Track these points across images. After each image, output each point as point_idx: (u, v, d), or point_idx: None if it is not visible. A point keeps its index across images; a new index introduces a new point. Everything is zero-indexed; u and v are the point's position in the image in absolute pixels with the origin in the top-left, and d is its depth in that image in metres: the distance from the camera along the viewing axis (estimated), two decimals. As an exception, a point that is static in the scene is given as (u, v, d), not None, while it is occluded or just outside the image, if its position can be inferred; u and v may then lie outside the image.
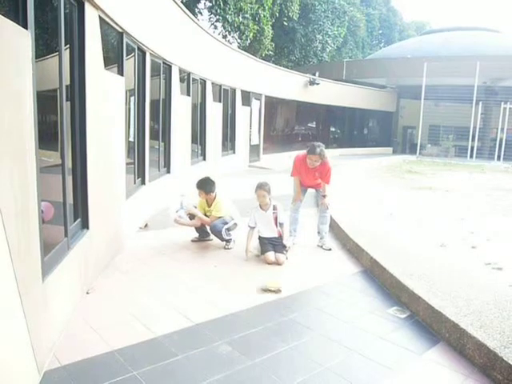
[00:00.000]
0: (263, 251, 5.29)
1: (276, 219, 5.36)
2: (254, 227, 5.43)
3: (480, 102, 21.90)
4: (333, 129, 24.65)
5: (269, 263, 5.12)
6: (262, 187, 5.35)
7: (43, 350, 2.87)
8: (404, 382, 2.96)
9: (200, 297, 4.13)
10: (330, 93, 21.51)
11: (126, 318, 3.61)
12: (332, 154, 19.44)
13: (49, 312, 3.05)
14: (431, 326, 3.61)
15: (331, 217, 6.19)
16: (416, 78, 21.92)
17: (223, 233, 5.65)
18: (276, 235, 5.37)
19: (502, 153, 21.74)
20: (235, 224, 5.82)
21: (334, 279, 4.81)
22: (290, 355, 3.19)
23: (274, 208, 5.38)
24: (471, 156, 22.27)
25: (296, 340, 3.41)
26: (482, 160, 21.47)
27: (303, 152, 5.84)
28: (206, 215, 5.79)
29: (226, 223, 5.72)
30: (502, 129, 21.87)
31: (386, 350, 3.32)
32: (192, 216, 5.81)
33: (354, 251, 5.58)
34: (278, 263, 5.14)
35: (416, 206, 8.48)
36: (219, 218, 5.71)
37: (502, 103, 21.59)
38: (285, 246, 5.31)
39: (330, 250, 5.79)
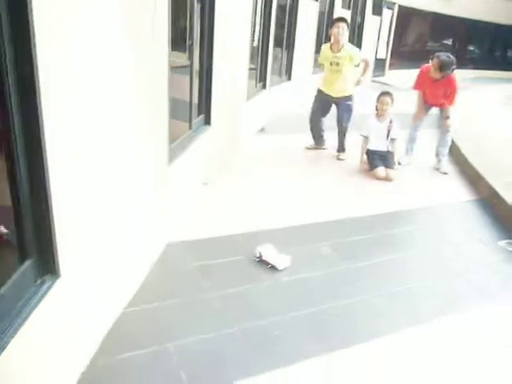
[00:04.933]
0: (373, 166, 5.23)
1: (389, 133, 5.22)
2: (367, 137, 5.33)
3: None
4: (471, 47, 22.22)
5: (378, 179, 5.09)
6: (387, 94, 5.23)
7: (167, 226, 3.27)
8: (498, 307, 2.92)
9: (306, 202, 4.31)
10: (472, 5, 19.13)
11: (238, 211, 3.93)
12: (467, 76, 17.76)
13: (173, 194, 3.42)
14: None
15: (452, 140, 5.86)
16: None
17: (347, 129, 5.64)
18: (385, 149, 5.26)
19: None
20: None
21: (447, 203, 4.68)
22: (387, 266, 3.29)
23: (390, 121, 5.22)
24: None
25: (396, 253, 3.48)
26: None
27: (429, 64, 5.44)
28: (330, 66, 5.58)
29: (351, 111, 5.62)
30: None
31: (489, 278, 3.26)
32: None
33: (472, 178, 5.30)
34: (388, 179, 5.08)
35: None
36: (347, 96, 5.58)
37: None
38: (395, 163, 5.20)
39: (446, 173, 5.56)
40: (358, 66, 5.75)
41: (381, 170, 5.11)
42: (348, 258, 3.32)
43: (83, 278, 1.96)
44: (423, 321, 2.68)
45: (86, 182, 1.89)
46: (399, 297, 2.90)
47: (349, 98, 5.62)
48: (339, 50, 5.48)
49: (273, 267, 3.02)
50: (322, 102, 5.77)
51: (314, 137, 6.02)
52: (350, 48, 5.58)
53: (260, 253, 3.09)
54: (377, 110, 5.27)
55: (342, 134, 5.75)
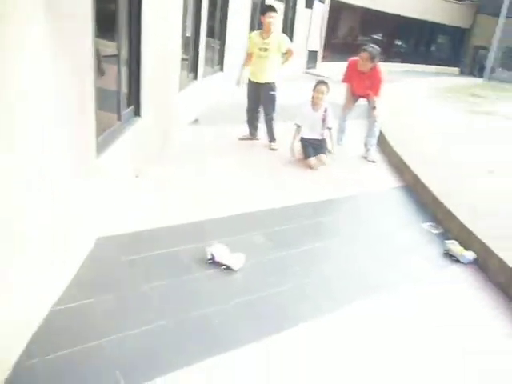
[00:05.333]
0: (306, 155, 5.34)
1: (324, 121, 5.34)
2: (300, 126, 5.41)
3: None
4: (398, 42, 23.21)
5: (310, 168, 5.22)
6: (323, 83, 5.29)
7: (96, 220, 3.18)
8: (422, 289, 3.12)
9: (239, 191, 4.34)
10: (400, 2, 19.98)
11: (170, 203, 3.89)
12: (394, 69, 18.55)
13: (102, 187, 3.32)
14: (462, 243, 3.68)
15: (380, 130, 6.11)
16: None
17: (273, 118, 5.74)
18: (319, 137, 5.39)
19: None
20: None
21: (374, 190, 4.90)
22: (317, 253, 3.40)
23: (325, 110, 5.32)
24: (545, 84, 20.65)
25: (326, 240, 3.60)
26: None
27: (356, 57, 5.68)
28: (259, 51, 5.62)
29: (274, 101, 5.73)
30: None
31: (411, 261, 3.45)
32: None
33: (398, 166, 5.58)
34: (321, 163, 5.23)
35: (471, 130, 8.18)
36: (270, 83, 5.67)
37: None
38: (328, 150, 5.36)
39: (374, 162, 5.81)
40: (284, 54, 5.86)
41: (313, 160, 5.24)
42: (280, 245, 3.39)
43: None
44: (350, 304, 2.80)
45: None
46: (328, 282, 3.02)
47: (271, 86, 5.69)
48: (269, 37, 5.55)
49: (228, 268, 2.96)
50: (255, 92, 5.81)
51: (249, 127, 6.06)
52: (279, 35, 5.74)
53: (212, 254, 2.99)
54: (312, 98, 5.35)
55: (269, 124, 5.85)
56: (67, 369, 2.06)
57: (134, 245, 3.16)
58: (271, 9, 5.60)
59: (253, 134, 6.09)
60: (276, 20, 5.52)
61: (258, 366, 2.23)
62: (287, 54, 5.85)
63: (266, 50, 5.53)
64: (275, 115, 5.83)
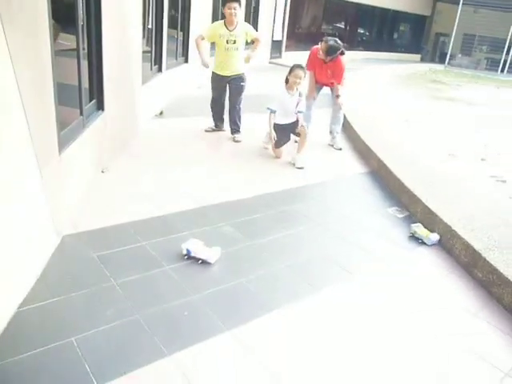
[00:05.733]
0: (277, 144, 5.18)
1: (297, 105, 5.15)
2: (275, 111, 5.12)
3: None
4: (361, 30, 23.43)
5: (278, 157, 5.25)
6: (300, 67, 5.03)
7: (61, 217, 3.12)
8: (390, 268, 3.20)
9: (206, 183, 4.33)
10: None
11: (137, 197, 3.84)
12: (357, 57, 18.75)
13: (66, 183, 3.26)
14: (426, 226, 3.78)
15: (344, 117, 6.18)
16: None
17: (240, 109, 5.72)
18: (294, 120, 5.19)
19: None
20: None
21: (341, 177, 4.97)
22: (286, 240, 3.43)
23: (300, 94, 5.16)
24: (502, 70, 21.32)
25: (295, 228, 3.63)
26: (513, 75, 20.56)
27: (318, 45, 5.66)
28: (227, 44, 5.47)
29: (243, 92, 5.68)
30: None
31: (379, 245, 3.53)
32: None
33: (363, 152, 5.67)
34: (304, 133, 5.10)
35: (433, 116, 8.37)
36: (240, 74, 5.62)
37: (546, 14, 20.18)
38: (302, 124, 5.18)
39: (340, 149, 5.88)
40: (250, 43, 5.79)
41: (281, 151, 5.24)
42: (248, 235, 3.40)
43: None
44: (322, 290, 2.84)
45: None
46: (299, 269, 3.05)
47: (242, 77, 5.63)
48: (235, 28, 5.41)
49: (204, 262, 2.95)
50: (221, 86, 5.69)
51: (215, 120, 6.01)
52: (244, 25, 5.61)
53: (187, 250, 2.97)
54: (287, 83, 5.11)
55: (236, 116, 5.77)
56: (39, 368, 2.03)
57: (103, 241, 3.12)
58: None
59: (218, 126, 6.06)
60: (238, 10, 5.35)
61: (233, 354, 2.24)
62: (255, 44, 5.74)
63: (234, 42, 5.40)
64: (242, 106, 5.79)
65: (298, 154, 5.13)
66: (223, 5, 5.42)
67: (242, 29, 5.46)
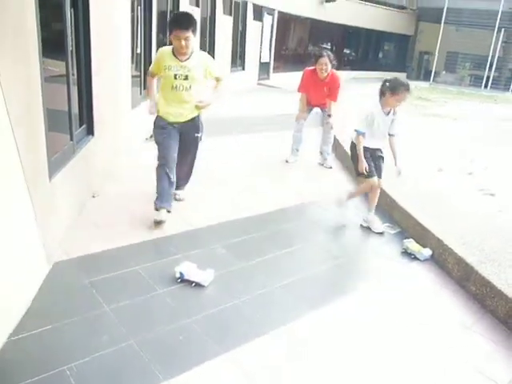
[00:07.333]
0: (369, 173, 4.03)
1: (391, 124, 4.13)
2: (364, 133, 4.00)
3: (502, 30, 20.98)
4: (347, 50, 23.82)
5: (378, 186, 4.18)
6: (409, 92, 3.92)
7: (52, 244, 3.09)
8: (384, 285, 3.20)
9: (199, 206, 4.32)
10: (346, 12, 20.54)
11: (129, 221, 3.82)
12: (344, 77, 18.97)
13: (57, 209, 3.24)
14: (418, 241, 3.79)
15: (335, 137, 6.24)
16: (438, 0, 20.85)
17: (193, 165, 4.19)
18: (383, 144, 4.21)
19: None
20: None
21: (331, 195, 4.96)
22: (280, 260, 3.42)
23: (394, 112, 4.08)
24: (486, 86, 21.74)
25: (288, 247, 3.63)
26: (496, 91, 20.95)
27: (312, 67, 5.73)
28: (175, 80, 3.68)
29: (199, 143, 4.06)
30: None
31: (373, 260, 3.54)
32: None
33: (353, 171, 5.69)
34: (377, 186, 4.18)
35: (420, 132, 8.46)
36: (194, 120, 3.89)
37: (526, 31, 20.70)
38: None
39: (330, 168, 5.92)
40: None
41: (381, 182, 4.18)
42: (241, 256, 3.39)
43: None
44: (317, 309, 2.83)
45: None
46: (292, 289, 3.04)
47: (196, 124, 3.92)
48: (188, 58, 3.68)
49: (198, 284, 2.93)
50: (171, 137, 3.83)
51: (159, 193, 3.85)
52: (202, 56, 3.84)
53: (181, 273, 2.94)
54: (382, 96, 3.99)
55: (187, 172, 4.26)
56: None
57: (95, 266, 3.09)
58: (180, 26, 3.54)
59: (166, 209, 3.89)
60: (191, 41, 3.60)
61: (230, 377, 2.21)
62: (216, 85, 3.99)
63: (186, 77, 3.66)
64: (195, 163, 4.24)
65: (371, 212, 4.19)
66: (169, 31, 3.66)
67: (199, 61, 3.74)
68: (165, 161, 3.80)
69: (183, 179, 4.28)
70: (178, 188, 4.21)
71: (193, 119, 3.88)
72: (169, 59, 3.68)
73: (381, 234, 4.02)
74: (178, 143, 3.90)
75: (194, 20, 3.61)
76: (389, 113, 4.04)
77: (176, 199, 4.20)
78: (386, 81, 3.98)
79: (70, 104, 3.70)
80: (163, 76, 3.75)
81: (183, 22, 3.56)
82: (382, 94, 3.96)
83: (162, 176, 3.81)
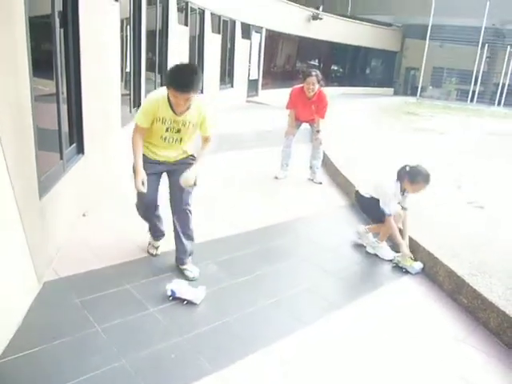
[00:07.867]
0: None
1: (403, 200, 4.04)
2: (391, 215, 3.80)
3: (486, 45, 21.42)
4: (335, 67, 24.13)
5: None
6: (427, 178, 3.80)
7: (42, 263, 3.06)
8: (376, 299, 3.20)
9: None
10: (333, 29, 20.86)
11: (120, 239, 3.80)
12: (333, 93, 19.18)
13: (47, 228, 3.22)
14: (408, 255, 3.81)
15: (324, 152, 6.29)
16: (423, 17, 21.28)
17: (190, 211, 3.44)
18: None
19: (503, 98, 21.50)
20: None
21: (322, 211, 5.01)
22: (271, 277, 3.42)
23: (407, 191, 3.97)
24: (472, 100, 22.09)
25: (279, 263, 3.63)
26: (482, 105, 21.31)
27: (300, 85, 5.82)
28: (166, 132, 3.15)
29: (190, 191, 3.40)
30: (506, 73, 21.49)
31: (364, 275, 3.55)
32: None
33: (343, 186, 5.74)
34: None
35: (408, 147, 8.56)
36: (188, 156, 3.36)
37: (509, 47, 21.09)
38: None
39: (320, 183, 5.96)
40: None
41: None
42: (233, 273, 3.39)
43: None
44: (310, 325, 2.83)
45: None
46: (285, 305, 3.03)
47: (190, 162, 3.33)
48: (184, 113, 3.08)
49: (189, 302, 2.91)
50: (157, 176, 3.42)
51: (151, 229, 3.66)
52: (201, 106, 3.13)
53: (172, 290, 2.93)
54: (400, 180, 3.91)
55: (185, 222, 3.41)
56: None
57: (85, 285, 3.06)
58: (181, 87, 2.86)
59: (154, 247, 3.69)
60: (193, 97, 2.97)
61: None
62: (203, 145, 3.32)
63: (178, 131, 3.16)
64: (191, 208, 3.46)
65: (382, 243, 4.01)
66: (167, 86, 2.95)
67: (197, 114, 3.13)
68: (146, 203, 3.43)
69: (182, 247, 3.38)
70: (183, 264, 3.40)
71: (187, 156, 3.37)
72: (164, 110, 3.06)
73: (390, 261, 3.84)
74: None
75: (199, 78, 2.91)
76: (404, 191, 3.93)
77: (189, 278, 3.26)
78: (406, 165, 3.89)
79: (60, 123, 3.70)
80: (153, 126, 3.14)
81: (185, 84, 2.87)
82: (400, 177, 3.87)
83: (146, 216, 3.57)
